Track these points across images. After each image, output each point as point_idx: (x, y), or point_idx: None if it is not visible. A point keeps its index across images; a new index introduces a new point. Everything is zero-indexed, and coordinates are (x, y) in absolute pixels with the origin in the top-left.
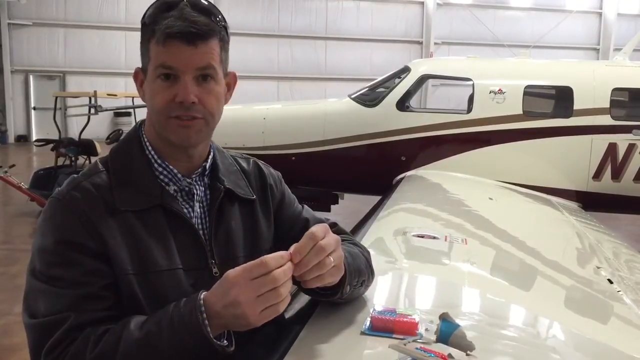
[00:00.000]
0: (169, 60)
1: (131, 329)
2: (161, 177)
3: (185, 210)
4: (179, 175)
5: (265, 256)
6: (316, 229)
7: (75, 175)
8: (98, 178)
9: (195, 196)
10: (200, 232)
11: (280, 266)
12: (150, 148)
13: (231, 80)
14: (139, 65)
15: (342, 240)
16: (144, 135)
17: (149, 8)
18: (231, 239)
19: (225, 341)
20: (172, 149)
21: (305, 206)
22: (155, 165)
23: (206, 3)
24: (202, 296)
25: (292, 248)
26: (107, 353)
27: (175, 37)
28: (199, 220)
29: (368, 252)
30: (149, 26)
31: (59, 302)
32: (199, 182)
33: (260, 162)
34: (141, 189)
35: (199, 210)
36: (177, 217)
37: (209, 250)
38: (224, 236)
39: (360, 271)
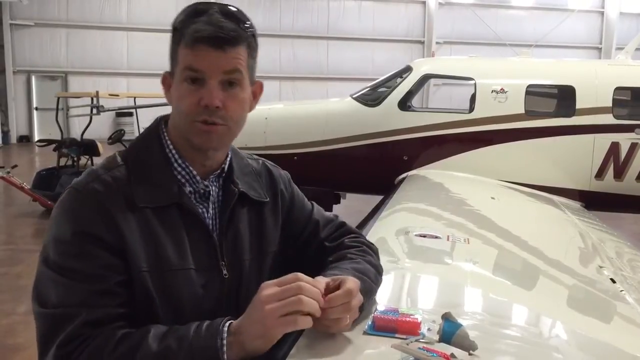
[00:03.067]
0: (196, 63)
1: (150, 339)
2: (179, 176)
3: (200, 211)
4: (197, 177)
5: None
6: (353, 286)
7: (93, 167)
8: (117, 172)
9: (210, 197)
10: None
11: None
12: (171, 147)
13: (257, 89)
14: (140, 65)
15: (351, 246)
16: (165, 133)
17: (179, 14)
18: (239, 241)
19: None
20: (193, 151)
21: (315, 205)
22: (175, 164)
23: (235, 10)
24: (227, 323)
25: (322, 283)
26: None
27: (203, 41)
28: (211, 221)
29: (376, 253)
30: (179, 30)
31: (71, 294)
32: (214, 184)
33: (269, 164)
34: (159, 186)
35: (211, 211)
36: (192, 216)
37: (219, 251)
38: (233, 238)
39: (370, 291)
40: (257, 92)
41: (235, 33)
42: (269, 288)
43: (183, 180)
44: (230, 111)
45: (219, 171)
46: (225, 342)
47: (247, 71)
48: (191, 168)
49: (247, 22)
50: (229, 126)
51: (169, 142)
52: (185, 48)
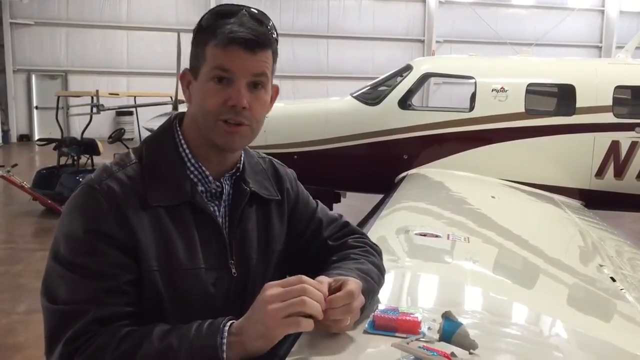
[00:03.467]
0: (227, 63)
1: (153, 337)
2: (192, 176)
3: (212, 210)
4: (210, 178)
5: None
6: (354, 287)
7: (107, 164)
8: (131, 170)
9: (222, 196)
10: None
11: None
12: (185, 146)
13: (274, 93)
14: (140, 64)
15: (354, 246)
16: (179, 132)
17: (206, 14)
18: (247, 239)
19: None
20: (209, 150)
21: (320, 204)
22: (188, 164)
23: (261, 13)
24: (228, 323)
25: (325, 285)
26: (126, 357)
27: (237, 42)
28: (221, 220)
29: (380, 254)
30: (207, 30)
31: (81, 291)
32: (227, 183)
33: (276, 162)
34: (173, 185)
35: (222, 210)
36: (204, 215)
37: (229, 250)
38: (241, 237)
39: (373, 291)
40: (273, 96)
41: (265, 37)
42: (273, 288)
43: (195, 180)
44: (255, 112)
45: (233, 170)
46: (225, 341)
47: (270, 74)
48: (204, 168)
49: (272, 26)
50: (252, 127)
51: (182, 140)
52: (216, 47)
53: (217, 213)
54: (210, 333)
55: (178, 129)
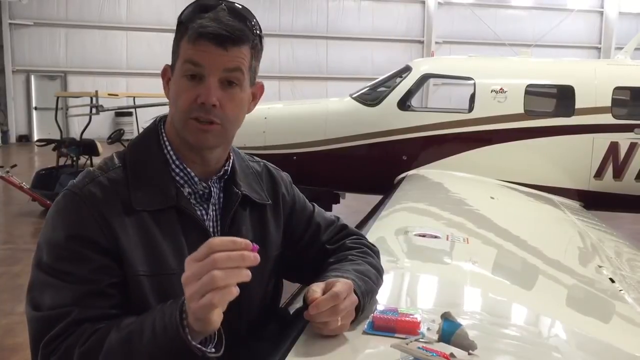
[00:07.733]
0: (197, 57)
1: (120, 327)
2: (177, 178)
3: (199, 213)
4: (196, 179)
5: (213, 237)
6: (341, 289)
7: (90, 169)
8: (114, 174)
9: (211, 199)
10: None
11: (227, 250)
12: (169, 147)
13: (257, 90)
14: (140, 64)
15: (352, 247)
16: (164, 133)
17: (186, 8)
18: None
19: (212, 347)
20: (189, 150)
21: (316, 207)
22: (173, 165)
23: (242, 8)
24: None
25: (311, 293)
26: (93, 349)
27: (206, 36)
28: (211, 224)
29: (377, 255)
30: (184, 24)
31: (64, 296)
32: (215, 185)
33: (271, 166)
34: (157, 189)
35: (212, 213)
36: (190, 219)
37: None
38: None
39: (371, 292)
40: (257, 94)
41: (240, 32)
42: (188, 266)
43: (182, 182)
44: (227, 110)
45: (221, 173)
46: (185, 315)
47: (248, 72)
48: (189, 169)
49: (254, 22)
50: (224, 126)
51: (167, 142)
52: (188, 42)
53: (206, 217)
54: (171, 310)
55: (162, 130)
